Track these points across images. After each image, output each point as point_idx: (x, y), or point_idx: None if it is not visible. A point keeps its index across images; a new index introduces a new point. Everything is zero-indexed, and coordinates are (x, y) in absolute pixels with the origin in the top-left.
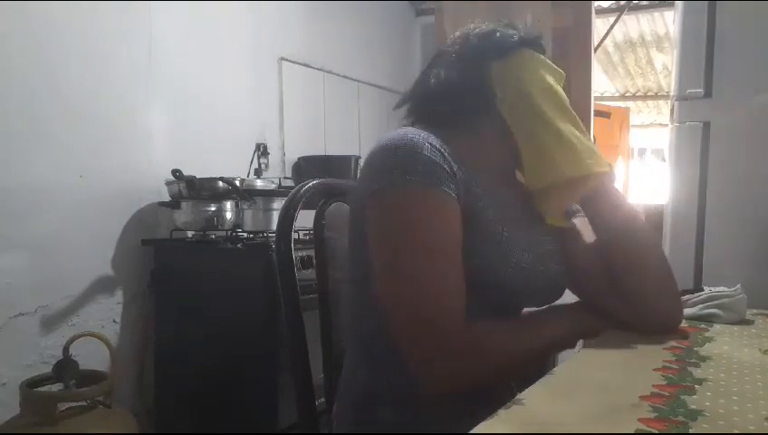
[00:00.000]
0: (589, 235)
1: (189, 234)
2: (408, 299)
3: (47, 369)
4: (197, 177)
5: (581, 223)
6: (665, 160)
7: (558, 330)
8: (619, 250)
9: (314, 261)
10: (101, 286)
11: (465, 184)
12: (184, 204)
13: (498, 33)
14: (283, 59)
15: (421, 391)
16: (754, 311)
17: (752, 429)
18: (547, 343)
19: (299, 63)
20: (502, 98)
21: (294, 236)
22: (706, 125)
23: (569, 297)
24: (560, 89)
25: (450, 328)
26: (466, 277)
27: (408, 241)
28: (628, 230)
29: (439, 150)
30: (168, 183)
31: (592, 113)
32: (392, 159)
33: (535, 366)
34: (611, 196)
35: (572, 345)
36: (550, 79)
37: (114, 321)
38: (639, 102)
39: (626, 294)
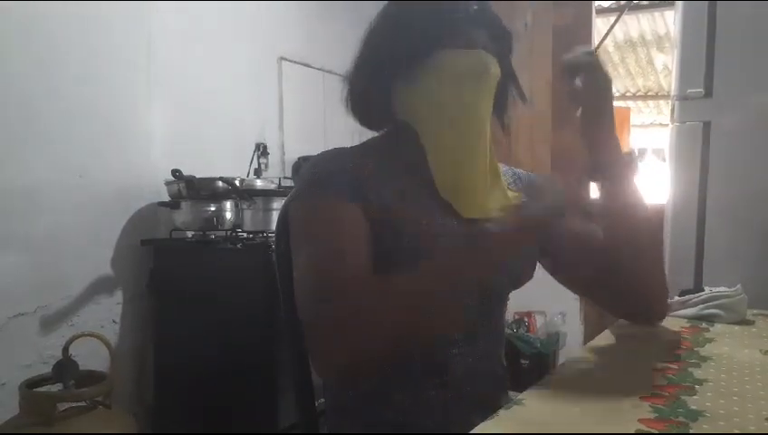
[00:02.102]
0: (578, 227)
1: (189, 234)
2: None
3: (46, 369)
4: (197, 177)
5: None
6: (665, 160)
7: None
8: (626, 249)
9: None
10: (101, 286)
11: (376, 191)
12: (183, 204)
13: (407, 38)
14: (282, 59)
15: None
16: (755, 311)
17: (752, 429)
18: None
19: (299, 63)
20: (412, 119)
21: None
22: (707, 125)
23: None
24: (470, 98)
25: (335, 297)
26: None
27: (305, 241)
28: (636, 230)
29: (347, 165)
30: (168, 183)
31: None
32: (303, 175)
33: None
34: (628, 195)
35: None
36: (456, 94)
37: (114, 321)
38: (640, 102)
39: (618, 288)
